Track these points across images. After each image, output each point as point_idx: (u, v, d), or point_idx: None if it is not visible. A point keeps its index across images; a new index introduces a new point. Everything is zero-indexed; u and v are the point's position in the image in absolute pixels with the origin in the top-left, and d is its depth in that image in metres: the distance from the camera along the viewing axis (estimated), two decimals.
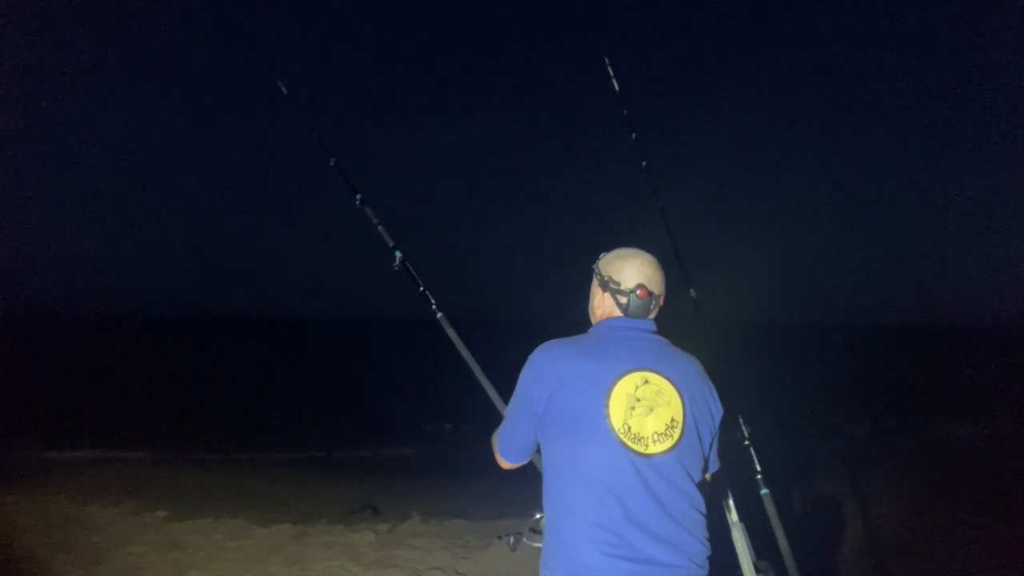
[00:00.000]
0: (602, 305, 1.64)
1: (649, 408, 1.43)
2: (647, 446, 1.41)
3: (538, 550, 1.55)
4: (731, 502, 1.88)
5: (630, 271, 1.59)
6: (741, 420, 1.99)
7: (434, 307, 2.10)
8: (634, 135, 2.46)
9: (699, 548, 1.43)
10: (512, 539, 1.67)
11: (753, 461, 1.97)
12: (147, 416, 14.42)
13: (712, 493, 1.66)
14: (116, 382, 21.30)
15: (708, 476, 1.62)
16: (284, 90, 2.57)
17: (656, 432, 1.42)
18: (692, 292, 2.23)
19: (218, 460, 10.05)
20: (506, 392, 1.73)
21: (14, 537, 4.80)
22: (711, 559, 1.46)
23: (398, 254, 2.15)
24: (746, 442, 1.98)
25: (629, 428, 1.40)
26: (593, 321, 1.68)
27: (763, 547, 1.87)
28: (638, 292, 1.57)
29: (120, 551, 4.58)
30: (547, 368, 1.49)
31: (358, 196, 2.27)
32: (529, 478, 1.69)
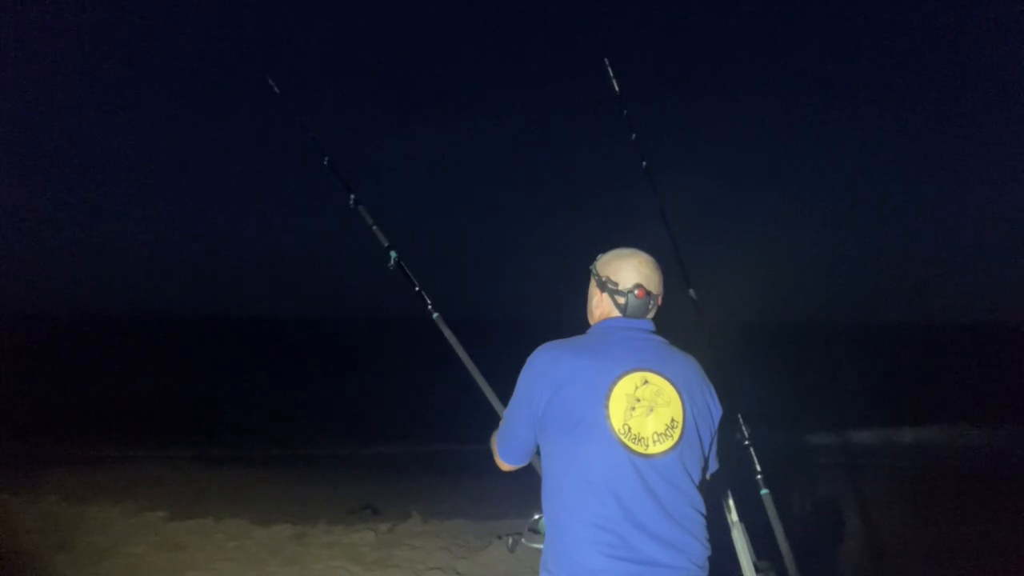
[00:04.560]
0: (600, 306, 1.64)
1: (649, 408, 1.43)
2: (647, 446, 1.40)
3: (537, 551, 1.55)
4: (731, 502, 1.87)
5: (628, 271, 1.59)
6: (741, 420, 1.98)
7: (430, 307, 2.09)
8: (634, 135, 2.46)
9: (699, 549, 1.42)
10: (511, 540, 1.66)
11: (753, 461, 1.96)
12: (147, 416, 14.42)
13: (712, 493, 1.66)
14: (114, 382, 21.28)
15: (708, 476, 1.62)
16: (276, 89, 2.56)
17: (656, 432, 1.42)
18: (692, 292, 2.23)
19: (218, 460, 10.04)
20: (504, 393, 1.73)
21: (14, 537, 4.80)
22: (711, 559, 1.46)
23: (393, 254, 2.14)
24: (746, 442, 1.98)
25: (629, 428, 1.40)
26: (592, 322, 1.67)
27: (763, 547, 1.86)
28: (636, 292, 1.56)
29: (120, 551, 4.58)
30: (547, 369, 1.49)
31: (352, 196, 2.26)
32: (529, 478, 1.69)
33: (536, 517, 1.62)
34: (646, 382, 1.45)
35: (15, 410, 14.07)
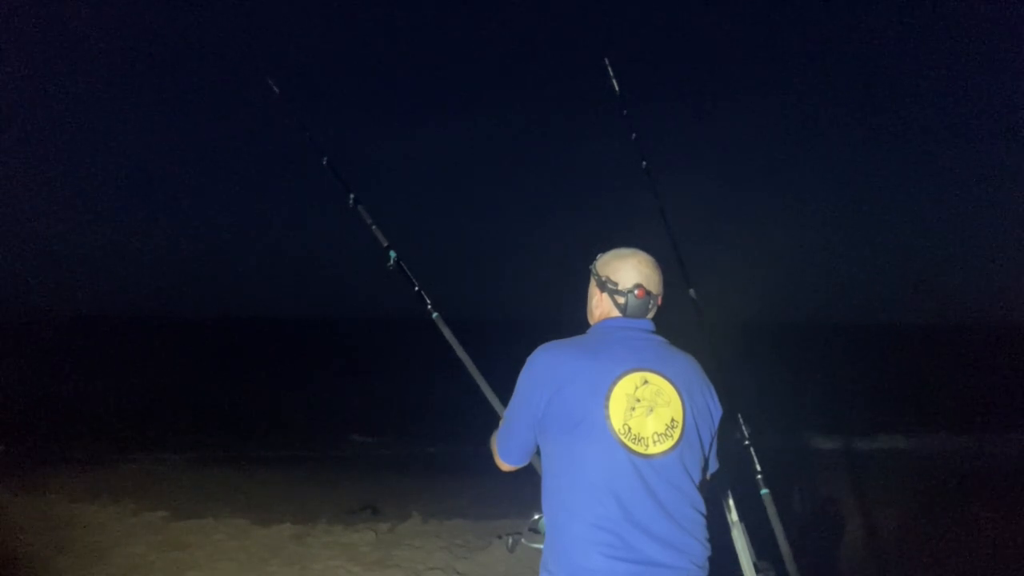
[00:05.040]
0: (600, 305, 1.63)
1: (649, 408, 1.42)
2: (647, 447, 1.40)
3: (537, 551, 1.55)
4: (731, 502, 1.87)
5: (627, 271, 1.59)
6: (741, 420, 1.98)
7: (429, 307, 2.09)
8: (634, 135, 2.46)
9: (699, 549, 1.42)
10: (511, 540, 1.66)
11: (753, 461, 1.96)
12: (147, 416, 14.41)
13: (712, 493, 1.65)
14: (115, 382, 21.28)
15: (708, 476, 1.62)
16: (276, 89, 2.55)
17: (656, 432, 1.41)
18: (692, 292, 2.22)
19: (218, 460, 10.04)
20: (504, 393, 1.72)
21: (14, 537, 4.80)
22: (711, 559, 1.46)
23: (392, 253, 2.13)
24: (746, 442, 1.98)
25: (629, 429, 1.40)
26: (592, 322, 1.67)
27: (763, 547, 1.86)
28: (636, 292, 1.56)
29: (120, 551, 4.58)
30: (546, 370, 1.49)
31: (352, 195, 2.25)
32: (529, 478, 1.69)
33: (536, 517, 1.62)
34: (646, 382, 1.45)
35: (15, 410, 14.06)
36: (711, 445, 1.56)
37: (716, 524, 1.58)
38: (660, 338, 1.58)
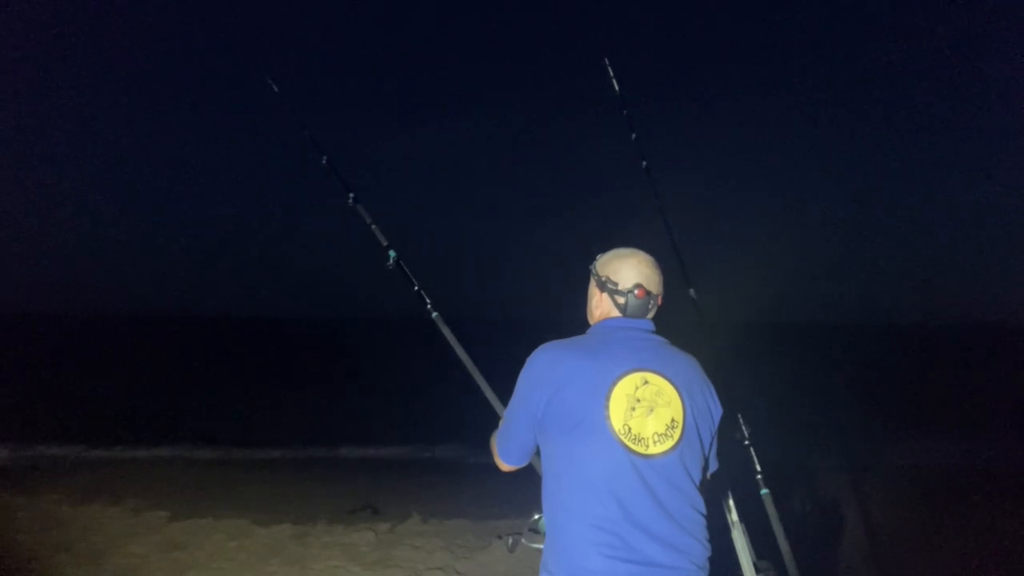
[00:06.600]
0: (600, 306, 1.64)
1: (649, 409, 1.42)
2: (647, 447, 1.40)
3: (537, 551, 1.55)
4: (731, 502, 1.88)
5: (627, 271, 1.59)
6: (741, 420, 1.98)
7: (429, 307, 2.09)
8: (634, 135, 2.46)
9: (700, 549, 1.42)
10: (511, 540, 1.66)
11: (753, 461, 1.97)
12: (147, 416, 14.42)
13: (712, 493, 1.65)
14: (115, 382, 21.30)
15: (708, 476, 1.62)
16: (275, 88, 2.56)
17: (656, 433, 1.42)
18: (692, 292, 2.23)
19: (218, 460, 10.05)
20: (504, 393, 1.73)
21: (14, 537, 4.80)
22: (711, 560, 1.46)
23: (392, 253, 2.13)
24: (746, 442, 1.98)
25: (629, 429, 1.40)
26: (592, 322, 1.67)
27: (763, 547, 1.86)
28: (636, 292, 1.56)
29: (120, 551, 4.58)
30: (546, 370, 1.48)
31: (351, 195, 2.25)
32: (529, 478, 1.69)
33: (536, 517, 1.62)
34: (646, 382, 1.45)
35: (15, 410, 14.07)
36: (711, 445, 1.56)
37: (716, 524, 1.58)
38: (660, 338, 1.58)
